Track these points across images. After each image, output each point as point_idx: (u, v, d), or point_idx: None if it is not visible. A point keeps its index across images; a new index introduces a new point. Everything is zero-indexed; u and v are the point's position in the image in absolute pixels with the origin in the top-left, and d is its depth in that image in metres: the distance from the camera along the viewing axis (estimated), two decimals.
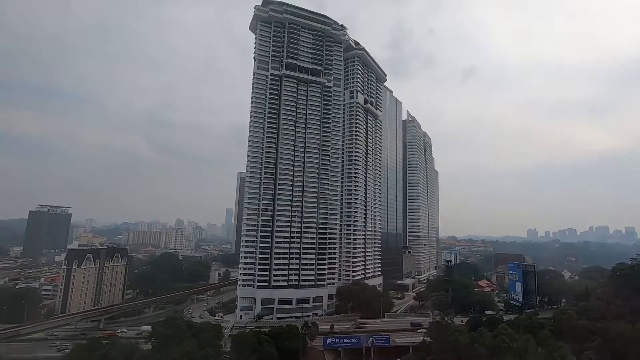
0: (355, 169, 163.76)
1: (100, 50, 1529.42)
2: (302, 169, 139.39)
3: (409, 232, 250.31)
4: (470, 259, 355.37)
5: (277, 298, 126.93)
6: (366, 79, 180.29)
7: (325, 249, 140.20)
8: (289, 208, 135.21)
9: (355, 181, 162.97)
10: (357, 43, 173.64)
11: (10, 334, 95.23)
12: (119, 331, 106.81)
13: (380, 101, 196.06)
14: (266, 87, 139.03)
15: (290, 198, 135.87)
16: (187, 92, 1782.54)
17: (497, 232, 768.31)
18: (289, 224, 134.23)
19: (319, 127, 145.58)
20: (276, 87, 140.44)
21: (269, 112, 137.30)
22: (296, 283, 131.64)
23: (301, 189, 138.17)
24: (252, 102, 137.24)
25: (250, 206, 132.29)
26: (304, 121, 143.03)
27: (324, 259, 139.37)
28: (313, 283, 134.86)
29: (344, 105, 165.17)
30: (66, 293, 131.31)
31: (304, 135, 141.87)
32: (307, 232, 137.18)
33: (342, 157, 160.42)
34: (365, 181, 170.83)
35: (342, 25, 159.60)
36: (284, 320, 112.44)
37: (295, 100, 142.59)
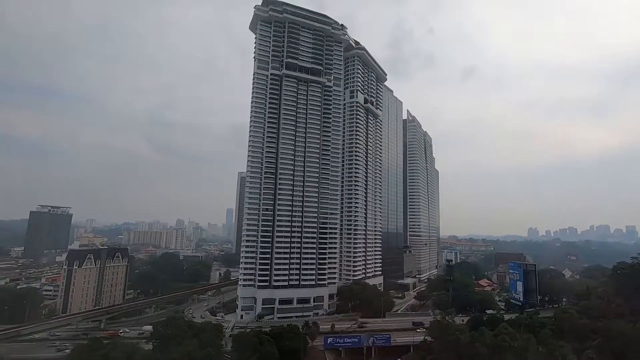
0: (356, 168, 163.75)
1: (100, 50, 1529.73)
2: (303, 169, 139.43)
3: (409, 231, 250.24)
4: (471, 258, 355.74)
5: (277, 298, 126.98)
6: (366, 79, 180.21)
7: (325, 248, 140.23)
8: (290, 208, 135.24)
9: (356, 181, 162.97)
10: (357, 43, 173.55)
11: (12, 334, 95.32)
12: (121, 331, 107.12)
13: (381, 101, 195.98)
14: (266, 87, 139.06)
15: (290, 198, 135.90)
16: (187, 92, 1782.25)
17: (497, 231, 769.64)
18: (289, 223, 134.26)
19: (319, 127, 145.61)
20: (276, 86, 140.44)
21: (269, 112, 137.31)
22: (297, 283, 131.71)
23: (302, 189, 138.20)
24: (252, 102, 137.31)
25: (251, 206, 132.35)
26: (304, 121, 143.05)
27: (325, 258, 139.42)
28: (314, 283, 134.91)
29: (344, 104, 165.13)
30: (67, 293, 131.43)
31: (304, 135, 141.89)
32: (308, 232, 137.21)
33: (343, 157, 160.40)
34: (366, 181, 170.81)
35: (342, 25, 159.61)
36: (285, 320, 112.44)
37: (295, 100, 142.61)
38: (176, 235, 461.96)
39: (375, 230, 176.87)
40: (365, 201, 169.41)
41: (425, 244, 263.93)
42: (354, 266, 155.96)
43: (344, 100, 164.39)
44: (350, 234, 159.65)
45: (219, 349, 76.85)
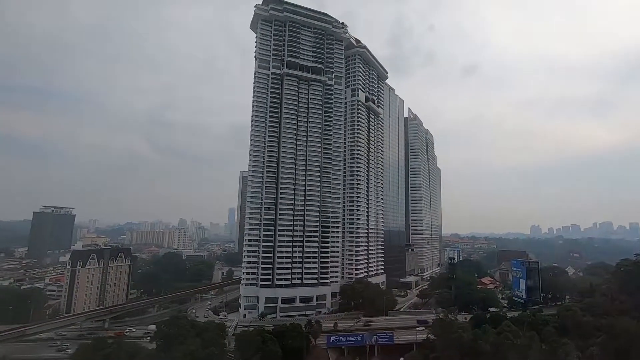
0: (357, 166, 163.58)
1: (101, 50, 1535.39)
2: (304, 168, 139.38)
3: (411, 229, 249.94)
4: (474, 256, 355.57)
5: (280, 297, 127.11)
6: (367, 77, 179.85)
7: (328, 247, 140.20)
8: (292, 207, 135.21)
9: (358, 179, 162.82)
10: (358, 41, 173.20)
11: (17, 334, 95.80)
12: (127, 330, 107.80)
13: (382, 99, 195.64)
14: (267, 86, 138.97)
15: (292, 197, 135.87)
16: (188, 92, 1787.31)
17: (500, 229, 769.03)
18: (291, 222, 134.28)
19: (320, 126, 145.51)
20: (277, 85, 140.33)
21: (270, 111, 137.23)
22: (299, 282, 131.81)
23: (303, 188, 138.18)
24: (253, 101, 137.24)
25: (253, 205, 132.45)
26: (306, 120, 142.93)
27: (327, 257, 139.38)
28: (316, 281, 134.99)
29: (346, 103, 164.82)
30: (71, 293, 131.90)
31: (305, 134, 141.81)
32: (310, 231, 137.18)
33: (344, 155, 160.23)
34: (368, 179, 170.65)
35: (342, 23, 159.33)
36: (288, 318, 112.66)
37: (296, 98, 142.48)
38: (178, 235, 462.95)
39: (377, 229, 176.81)
40: (367, 199, 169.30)
41: (428, 242, 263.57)
42: (356, 264, 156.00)
43: (345, 98, 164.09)
44: (352, 232, 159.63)
45: (222, 348, 77.02)
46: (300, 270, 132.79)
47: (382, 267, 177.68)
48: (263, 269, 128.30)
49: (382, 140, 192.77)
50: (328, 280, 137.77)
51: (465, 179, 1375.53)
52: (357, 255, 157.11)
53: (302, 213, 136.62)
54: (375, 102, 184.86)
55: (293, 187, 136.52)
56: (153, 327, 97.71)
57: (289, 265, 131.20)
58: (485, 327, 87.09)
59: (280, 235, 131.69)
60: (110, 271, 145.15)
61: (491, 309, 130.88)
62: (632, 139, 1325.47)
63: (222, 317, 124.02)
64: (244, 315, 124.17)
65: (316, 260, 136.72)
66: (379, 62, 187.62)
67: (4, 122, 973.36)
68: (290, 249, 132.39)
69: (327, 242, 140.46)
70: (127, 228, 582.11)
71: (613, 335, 77.09)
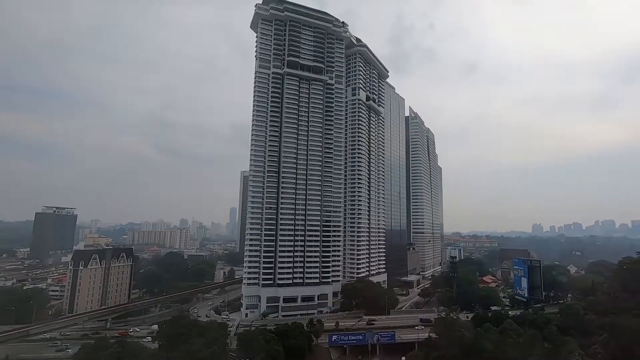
0: (359, 166, 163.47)
1: (102, 51, 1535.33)
2: (305, 167, 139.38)
3: (413, 228, 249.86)
4: (475, 255, 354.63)
5: (282, 296, 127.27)
6: (368, 76, 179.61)
7: (329, 246, 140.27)
8: (293, 206, 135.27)
9: (359, 178, 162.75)
10: (358, 40, 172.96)
11: (20, 334, 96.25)
12: (131, 330, 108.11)
13: (383, 98, 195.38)
14: (268, 86, 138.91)
15: (293, 196, 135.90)
16: (189, 92, 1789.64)
17: (501, 227, 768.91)
18: (292, 222, 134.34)
19: (321, 125, 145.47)
20: (278, 85, 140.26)
21: (271, 111, 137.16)
22: (301, 281, 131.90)
23: (304, 187, 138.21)
24: (254, 101, 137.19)
25: (254, 205, 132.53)
26: (307, 119, 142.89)
27: (328, 256, 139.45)
28: (318, 281, 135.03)
29: (346, 102, 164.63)
30: (73, 293, 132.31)
31: (306, 133, 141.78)
32: (311, 230, 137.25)
33: (345, 154, 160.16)
34: (369, 178, 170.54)
35: (343, 22, 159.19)
36: (290, 318, 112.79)
37: (297, 98, 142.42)
38: (180, 235, 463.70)
39: (378, 228, 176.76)
40: (369, 198, 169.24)
41: (429, 241, 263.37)
42: (358, 264, 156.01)
43: (346, 97, 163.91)
44: (353, 231, 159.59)
45: (224, 348, 77.11)
46: (301, 270, 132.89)
47: (384, 266, 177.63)
48: (264, 268, 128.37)
49: (383, 139, 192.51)
50: (329, 280, 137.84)
51: (466, 178, 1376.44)
52: (358, 254, 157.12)
53: (304, 212, 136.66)
54: (376, 101, 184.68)
55: (294, 186, 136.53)
56: (156, 327, 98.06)
57: (291, 265, 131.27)
58: (487, 326, 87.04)
59: (281, 235, 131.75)
60: (112, 271, 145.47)
61: (493, 308, 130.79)
62: (635, 136, 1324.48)
63: (224, 316, 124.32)
64: (246, 314, 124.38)
65: (317, 259, 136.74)
66: (379, 60, 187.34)
67: (5, 123, 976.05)
68: (291, 248, 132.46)
69: (329, 241, 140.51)
70: (129, 228, 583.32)
71: (615, 334, 76.95)
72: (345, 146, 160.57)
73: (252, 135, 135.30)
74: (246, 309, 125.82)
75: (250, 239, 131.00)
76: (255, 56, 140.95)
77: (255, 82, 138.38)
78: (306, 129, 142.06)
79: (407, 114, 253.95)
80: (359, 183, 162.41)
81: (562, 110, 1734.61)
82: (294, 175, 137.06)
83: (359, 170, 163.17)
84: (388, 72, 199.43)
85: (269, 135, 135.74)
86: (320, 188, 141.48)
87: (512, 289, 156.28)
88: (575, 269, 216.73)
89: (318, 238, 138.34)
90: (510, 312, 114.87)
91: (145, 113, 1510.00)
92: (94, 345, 71.52)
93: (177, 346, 70.58)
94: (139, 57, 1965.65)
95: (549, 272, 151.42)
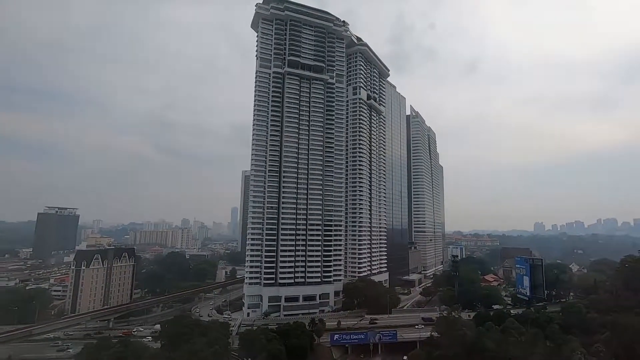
0: (360, 165, 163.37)
1: (102, 52, 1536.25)
2: (307, 166, 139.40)
3: (414, 227, 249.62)
4: (477, 254, 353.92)
5: (283, 295, 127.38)
6: (369, 75, 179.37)
7: (330, 245, 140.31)
8: (294, 205, 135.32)
9: (360, 177, 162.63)
10: (359, 39, 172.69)
11: (23, 334, 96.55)
12: (134, 330, 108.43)
13: (384, 96, 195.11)
14: (269, 85, 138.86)
15: (295, 195, 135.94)
16: (190, 92, 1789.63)
17: (503, 226, 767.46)
18: (294, 221, 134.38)
19: (322, 124, 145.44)
20: (279, 84, 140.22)
21: (272, 110, 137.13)
22: (302, 280, 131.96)
23: (306, 186, 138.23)
24: (255, 101, 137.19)
25: (256, 204, 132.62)
26: (307, 118, 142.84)
27: (330, 255, 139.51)
28: (319, 280, 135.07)
29: (347, 101, 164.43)
30: (76, 293, 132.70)
31: (307, 133, 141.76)
32: (313, 229, 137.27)
33: (346, 154, 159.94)
34: (370, 177, 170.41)
35: (343, 22, 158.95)
36: (291, 317, 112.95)
37: (298, 97, 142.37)
38: (182, 235, 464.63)
39: (380, 227, 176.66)
40: (370, 197, 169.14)
41: (431, 240, 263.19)
42: (359, 263, 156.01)
43: (347, 97, 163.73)
44: (355, 230, 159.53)
45: (226, 347, 77.25)
46: (303, 269, 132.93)
47: (385, 265, 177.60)
48: (266, 267, 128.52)
49: (384, 138, 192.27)
50: (331, 279, 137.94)
51: (467, 177, 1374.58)
52: (360, 254, 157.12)
53: (305, 211, 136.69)
54: (377, 99, 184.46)
55: (295, 185, 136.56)
56: (159, 326, 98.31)
57: (292, 264, 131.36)
58: (489, 325, 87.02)
59: (283, 234, 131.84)
60: (114, 271, 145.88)
61: (495, 307, 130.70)
62: (635, 136, 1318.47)
63: (226, 316, 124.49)
64: (248, 314, 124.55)
65: (319, 258, 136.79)
66: (380, 59, 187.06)
67: (5, 123, 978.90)
68: (293, 248, 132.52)
69: (330, 240, 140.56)
70: (131, 228, 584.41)
71: (618, 332, 76.90)
72: (347, 145, 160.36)
73: (253, 134, 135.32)
74: (248, 308, 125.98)
75: (252, 239, 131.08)
76: (256, 56, 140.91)
77: (256, 82, 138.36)
78: (307, 128, 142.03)
79: (408, 112, 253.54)
80: (360, 182, 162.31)
81: (562, 110, 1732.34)
82: (295, 175, 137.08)
83: (360, 169, 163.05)
84: (389, 71, 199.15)
85: (270, 134, 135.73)
86: (321, 187, 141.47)
87: (514, 288, 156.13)
88: (577, 268, 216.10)
89: (319, 237, 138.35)
90: (512, 311, 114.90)
91: (145, 113, 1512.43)
92: (96, 345, 71.71)
93: (179, 346, 70.71)
94: (139, 57, 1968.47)
95: (551, 271, 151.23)
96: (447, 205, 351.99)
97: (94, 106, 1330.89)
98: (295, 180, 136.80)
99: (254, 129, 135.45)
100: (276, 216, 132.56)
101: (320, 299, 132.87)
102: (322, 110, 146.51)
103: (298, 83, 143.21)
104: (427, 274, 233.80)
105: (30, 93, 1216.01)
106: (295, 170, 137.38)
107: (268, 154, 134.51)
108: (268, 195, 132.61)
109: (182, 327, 77.37)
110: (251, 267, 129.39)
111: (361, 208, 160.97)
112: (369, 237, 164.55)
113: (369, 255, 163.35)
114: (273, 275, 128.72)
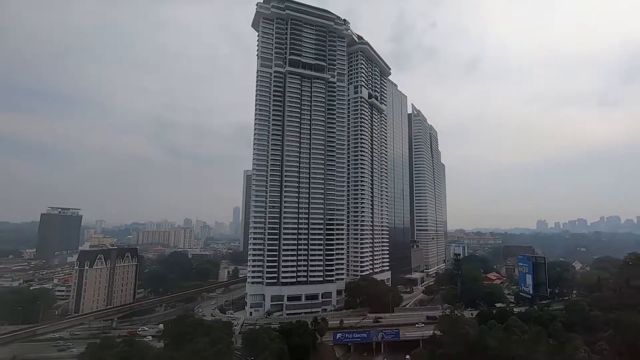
0: (362, 163, 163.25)
1: (103, 52, 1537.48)
2: (308, 165, 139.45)
3: (416, 225, 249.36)
4: (479, 252, 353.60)
5: (286, 294, 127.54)
6: (370, 74, 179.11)
7: (332, 244, 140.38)
8: (296, 204, 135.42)
9: (362, 176, 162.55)
10: (360, 37, 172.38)
11: (27, 334, 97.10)
12: (139, 329, 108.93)
13: (385, 95, 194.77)
14: (270, 85, 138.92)
15: (296, 194, 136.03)
16: (190, 92, 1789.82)
17: (505, 224, 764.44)
18: (296, 220, 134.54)
19: (323, 123, 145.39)
20: (280, 84, 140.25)
21: (273, 110, 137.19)
22: (305, 279, 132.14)
23: (307, 185, 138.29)
24: (256, 100, 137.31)
25: (257, 204, 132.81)
26: (309, 117, 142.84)
27: (332, 254, 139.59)
28: (321, 279, 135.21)
29: (349, 100, 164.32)
30: (79, 293, 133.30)
31: (309, 132, 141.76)
32: (315, 228, 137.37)
33: (348, 152, 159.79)
34: (372, 176, 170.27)
35: (344, 20, 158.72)
36: (294, 316, 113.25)
37: (299, 96, 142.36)
38: (184, 235, 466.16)
39: (382, 225, 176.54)
40: (372, 196, 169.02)
41: (433, 238, 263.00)
42: (362, 261, 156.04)
43: (348, 95, 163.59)
44: (357, 229, 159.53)
45: (229, 346, 77.49)
46: (305, 268, 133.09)
47: (388, 263, 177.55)
48: (268, 267, 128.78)
49: (386, 137, 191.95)
50: (333, 278, 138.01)
51: (468, 176, 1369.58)
52: (362, 252, 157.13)
53: (307, 211, 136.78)
54: (379, 98, 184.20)
55: (297, 185, 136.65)
56: (162, 326, 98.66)
57: (294, 263, 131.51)
58: (492, 323, 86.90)
59: (285, 233, 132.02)
60: (117, 271, 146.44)
61: (498, 305, 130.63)
62: (636, 135, 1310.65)
63: (229, 315, 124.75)
64: (250, 313, 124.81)
65: (321, 257, 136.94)
66: (381, 58, 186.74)
67: (5, 123, 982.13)
68: (295, 247, 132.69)
69: (332, 239, 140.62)
70: (133, 228, 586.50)
71: (621, 330, 76.64)
72: (348, 144, 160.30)
73: (254, 134, 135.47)
74: (250, 307, 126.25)
75: (254, 238, 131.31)
76: (257, 55, 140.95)
77: (257, 81, 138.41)
78: (308, 127, 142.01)
79: (409, 111, 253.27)
80: (362, 181, 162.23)
81: (565, 107, 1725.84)
82: (297, 174, 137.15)
83: (361, 167, 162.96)
84: (390, 69, 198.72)
85: (272, 134, 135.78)
86: (323, 186, 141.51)
87: (517, 286, 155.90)
88: (580, 265, 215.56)
89: (321, 236, 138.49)
90: (515, 309, 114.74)
91: (145, 113, 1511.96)
92: (100, 345, 72.04)
93: (182, 345, 71.00)
94: (139, 58, 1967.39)
95: (553, 269, 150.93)
96: (449, 203, 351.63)
97: (94, 106, 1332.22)
98: (297, 179, 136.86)
99: (255, 129, 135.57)
100: (278, 215, 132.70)
101: (322, 298, 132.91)
102: (324, 109, 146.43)
103: (299, 82, 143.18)
104: (430, 273, 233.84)
105: (30, 93, 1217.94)
106: (297, 169, 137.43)
107: (270, 154, 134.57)
108: (270, 194, 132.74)
109: (185, 327, 77.70)
110: (253, 266, 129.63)
111: (363, 206, 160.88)
112: (371, 236, 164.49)
113: (371, 253, 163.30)
114: (275, 275, 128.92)
